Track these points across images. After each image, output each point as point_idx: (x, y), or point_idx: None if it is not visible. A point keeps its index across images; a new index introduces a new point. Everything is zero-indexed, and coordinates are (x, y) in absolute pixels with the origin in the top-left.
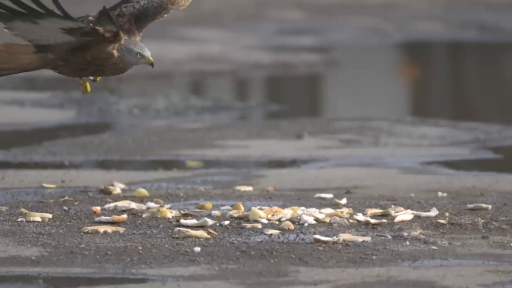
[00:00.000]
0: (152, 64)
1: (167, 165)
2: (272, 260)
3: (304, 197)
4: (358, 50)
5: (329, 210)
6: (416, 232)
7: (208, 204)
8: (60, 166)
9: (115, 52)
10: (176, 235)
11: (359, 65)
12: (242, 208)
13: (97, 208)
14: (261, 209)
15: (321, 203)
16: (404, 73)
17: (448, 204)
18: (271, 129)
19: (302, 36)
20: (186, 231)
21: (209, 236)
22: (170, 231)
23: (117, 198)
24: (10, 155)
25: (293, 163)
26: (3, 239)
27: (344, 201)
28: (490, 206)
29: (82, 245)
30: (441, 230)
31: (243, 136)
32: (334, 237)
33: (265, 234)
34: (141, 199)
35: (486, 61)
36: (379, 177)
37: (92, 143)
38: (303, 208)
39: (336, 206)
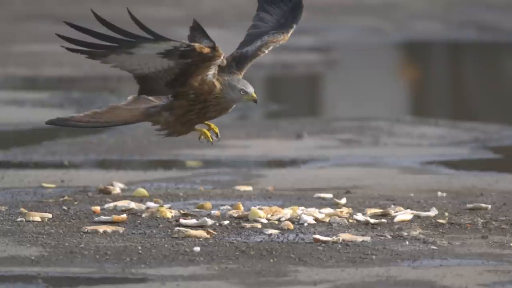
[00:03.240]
0: (255, 101)
1: (166, 165)
2: (271, 260)
3: (304, 197)
4: (358, 50)
5: (328, 210)
6: (415, 232)
7: (208, 204)
8: (59, 166)
9: (217, 84)
10: (176, 235)
11: (359, 65)
12: (242, 208)
13: (97, 208)
14: (260, 209)
15: (321, 203)
16: (404, 73)
17: (448, 204)
18: (271, 129)
19: (302, 36)
20: (186, 231)
21: (208, 236)
22: (169, 231)
23: (117, 198)
24: (10, 155)
25: (292, 163)
26: (3, 239)
27: (343, 201)
28: (489, 206)
29: (82, 245)
30: (441, 230)
31: (243, 136)
32: (334, 237)
33: (265, 234)
34: (141, 199)
35: (485, 61)
36: (379, 177)
37: (92, 143)
38: (302, 207)
39: (335, 206)
